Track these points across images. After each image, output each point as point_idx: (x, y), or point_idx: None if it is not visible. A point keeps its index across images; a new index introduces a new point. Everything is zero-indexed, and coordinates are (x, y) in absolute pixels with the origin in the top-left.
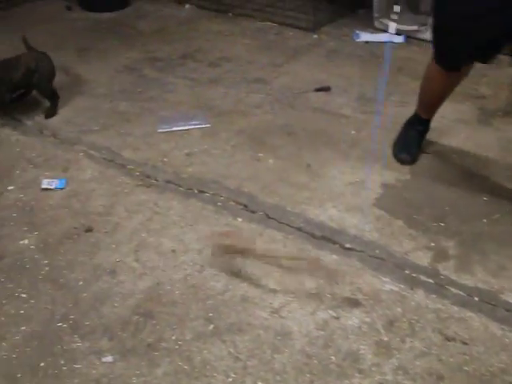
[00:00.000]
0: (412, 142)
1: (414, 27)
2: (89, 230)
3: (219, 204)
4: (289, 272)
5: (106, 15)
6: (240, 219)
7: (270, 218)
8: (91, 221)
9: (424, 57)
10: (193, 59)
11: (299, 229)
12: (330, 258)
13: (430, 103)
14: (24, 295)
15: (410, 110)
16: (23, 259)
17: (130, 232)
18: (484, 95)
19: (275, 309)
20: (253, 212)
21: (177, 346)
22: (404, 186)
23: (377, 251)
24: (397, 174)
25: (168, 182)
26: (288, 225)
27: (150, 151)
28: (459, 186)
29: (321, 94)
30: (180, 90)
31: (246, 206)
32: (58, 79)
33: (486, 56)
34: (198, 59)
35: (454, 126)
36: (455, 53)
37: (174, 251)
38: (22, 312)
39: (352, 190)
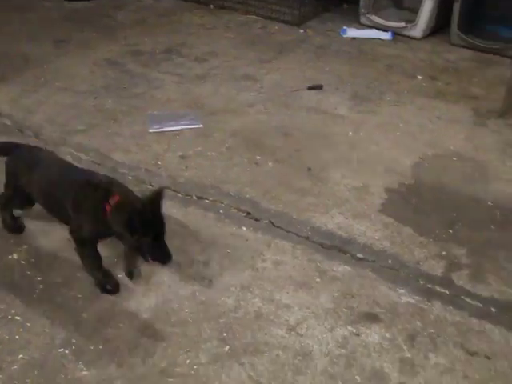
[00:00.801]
0: None
1: (402, 24)
2: None
3: (221, 212)
4: (302, 286)
5: (82, 4)
6: (244, 228)
7: (275, 226)
8: None
9: (412, 54)
10: (178, 54)
11: (307, 238)
12: (342, 268)
13: None
14: (18, 317)
15: (404, 110)
16: (13, 276)
17: None
18: (476, 95)
19: (292, 326)
20: (257, 220)
21: (192, 371)
22: (408, 191)
23: (389, 261)
24: (399, 177)
25: (164, 187)
26: (296, 234)
27: (141, 153)
28: (463, 191)
29: (313, 92)
30: (167, 87)
31: (249, 213)
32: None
33: None
34: (183, 54)
35: (451, 127)
36: None
37: (178, 264)
38: (17, 337)
39: (356, 195)
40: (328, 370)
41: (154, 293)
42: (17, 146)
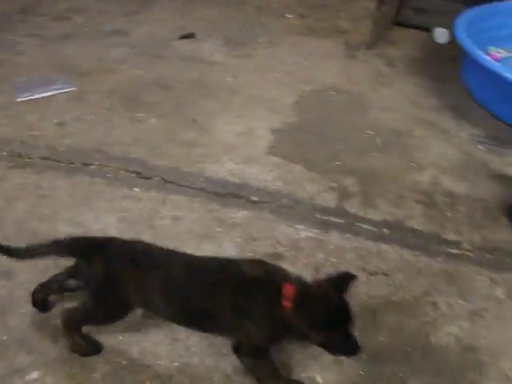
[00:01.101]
0: None
1: None
2: None
3: (109, 176)
4: (204, 237)
5: None
6: (136, 189)
7: (167, 182)
8: None
9: None
10: (34, 13)
11: (201, 189)
12: (241, 214)
13: None
14: None
15: (279, 50)
16: None
17: (16, 223)
18: (346, 30)
19: None
20: (148, 179)
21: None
22: (293, 129)
23: (284, 200)
24: (282, 117)
25: (45, 158)
26: (189, 187)
27: (13, 125)
28: (344, 123)
29: (186, 41)
30: (30, 51)
31: (138, 173)
32: None
33: None
34: (40, 13)
35: (325, 62)
36: None
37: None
38: None
39: (244, 140)
40: None
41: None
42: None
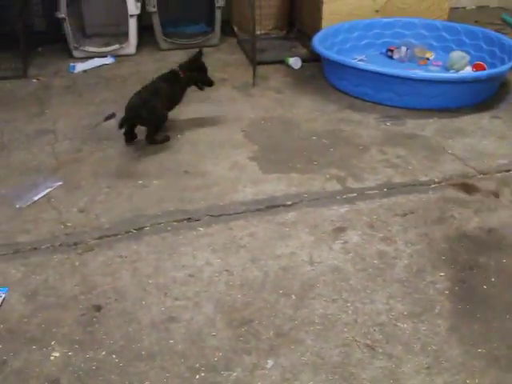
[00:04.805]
0: None
1: (116, 46)
2: None
3: (169, 228)
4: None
5: None
6: (201, 228)
7: (216, 216)
8: None
9: (140, 67)
10: None
11: (246, 211)
12: (290, 215)
13: None
14: None
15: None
16: None
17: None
18: (225, 78)
19: None
20: (197, 220)
21: None
22: (262, 152)
23: (305, 195)
24: (246, 148)
25: (101, 237)
26: (236, 212)
27: (42, 226)
28: (292, 136)
29: (113, 120)
30: None
31: (188, 219)
32: None
33: None
34: None
35: (235, 103)
36: None
37: None
38: None
39: (237, 170)
40: None
41: None
42: None
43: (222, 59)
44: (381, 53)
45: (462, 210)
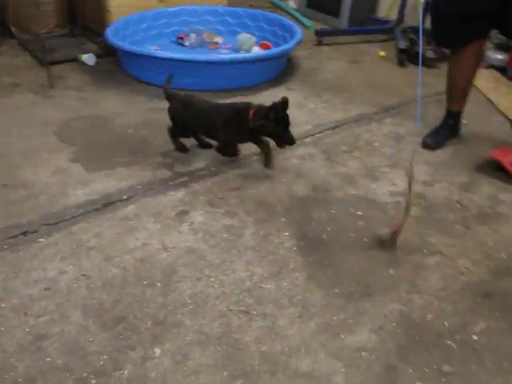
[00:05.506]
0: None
1: None
2: None
3: None
4: None
5: None
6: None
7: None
8: None
9: None
10: None
11: None
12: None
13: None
14: None
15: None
16: None
17: None
18: (17, 83)
19: None
20: None
21: None
22: None
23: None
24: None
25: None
26: None
27: None
28: None
29: None
30: None
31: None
32: None
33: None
34: None
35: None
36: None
37: None
38: None
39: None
40: None
41: None
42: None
43: (6, 63)
44: (171, 41)
45: (286, 175)
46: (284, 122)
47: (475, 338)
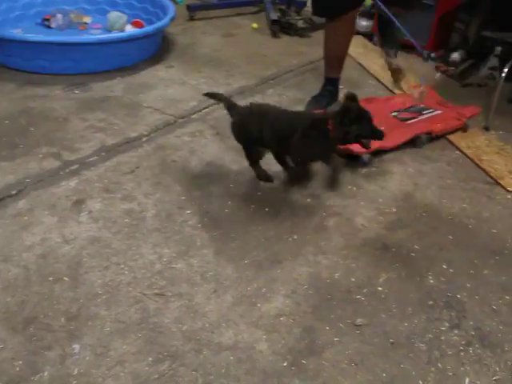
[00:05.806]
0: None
1: None
2: None
3: None
4: None
5: None
6: None
7: None
8: None
9: None
10: None
11: None
12: None
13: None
14: None
15: None
16: None
17: None
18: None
19: None
20: None
21: None
22: None
23: None
24: None
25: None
26: None
27: None
28: None
29: None
30: None
31: None
32: None
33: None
34: None
35: None
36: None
37: None
38: None
39: None
40: None
41: None
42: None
43: None
44: (36, 23)
45: (179, 154)
46: (366, 116)
47: (380, 288)
